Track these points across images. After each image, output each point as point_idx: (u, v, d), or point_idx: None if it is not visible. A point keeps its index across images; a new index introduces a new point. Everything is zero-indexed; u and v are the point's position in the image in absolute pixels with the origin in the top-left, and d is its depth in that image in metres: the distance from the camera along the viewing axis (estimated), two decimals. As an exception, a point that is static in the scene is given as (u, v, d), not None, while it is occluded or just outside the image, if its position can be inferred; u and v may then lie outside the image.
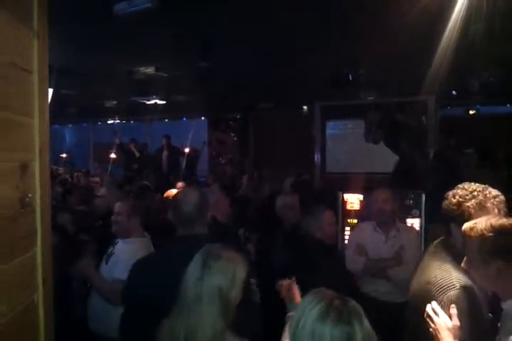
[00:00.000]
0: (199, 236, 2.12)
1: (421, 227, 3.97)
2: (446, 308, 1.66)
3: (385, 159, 7.09)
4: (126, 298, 2.11)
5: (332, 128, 9.25)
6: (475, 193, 1.84)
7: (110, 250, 2.99)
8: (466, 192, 1.86)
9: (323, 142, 9.19)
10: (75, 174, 9.07)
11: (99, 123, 12.02)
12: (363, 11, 3.62)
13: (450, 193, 1.91)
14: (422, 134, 7.27)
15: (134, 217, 3.00)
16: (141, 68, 5.57)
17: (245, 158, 10.07)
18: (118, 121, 11.32)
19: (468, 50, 4.00)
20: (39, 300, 1.56)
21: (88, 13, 3.66)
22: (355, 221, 4.34)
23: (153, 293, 1.87)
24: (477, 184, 1.89)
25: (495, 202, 1.82)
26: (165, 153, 9.38)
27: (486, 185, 1.88)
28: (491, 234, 1.51)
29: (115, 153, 9.66)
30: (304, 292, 1.77)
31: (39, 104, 1.57)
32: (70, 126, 13.11)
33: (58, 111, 7.70)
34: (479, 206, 1.80)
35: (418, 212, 3.99)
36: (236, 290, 1.60)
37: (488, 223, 1.54)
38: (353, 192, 4.49)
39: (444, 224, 1.97)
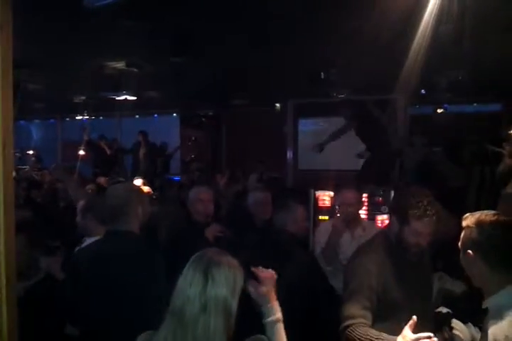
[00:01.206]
0: (122, 233, 2.12)
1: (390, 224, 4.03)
2: None
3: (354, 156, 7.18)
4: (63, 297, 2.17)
5: (305, 125, 9.32)
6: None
7: (76, 249, 2.94)
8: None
9: (295, 139, 9.24)
10: (41, 172, 8.85)
11: (68, 119, 11.75)
12: (336, 10, 3.64)
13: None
14: (391, 131, 7.40)
15: (90, 215, 2.94)
16: (112, 63, 5.47)
17: (218, 155, 10.03)
18: (87, 117, 11.08)
19: (437, 49, 4.08)
20: (2, 299, 1.51)
21: (57, 5, 3.56)
22: (326, 217, 4.38)
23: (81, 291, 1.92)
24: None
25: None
26: (142, 150, 9.22)
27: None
28: (472, 226, 1.60)
29: (84, 150, 9.46)
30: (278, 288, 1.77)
31: (2, 98, 1.51)
32: (37, 121, 12.77)
33: (24, 106, 7.48)
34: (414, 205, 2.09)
35: (387, 209, 4.05)
36: (236, 298, 1.51)
37: (476, 216, 1.62)
38: (325, 189, 4.53)
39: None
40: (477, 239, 1.57)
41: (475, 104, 8.64)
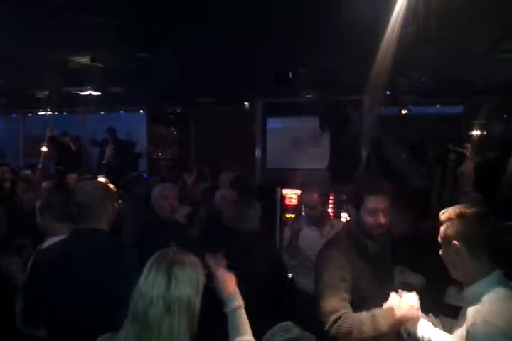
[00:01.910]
0: (91, 231, 2.10)
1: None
2: None
3: (323, 156, 7.28)
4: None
5: (273, 124, 9.36)
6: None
7: (38, 249, 2.86)
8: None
9: (263, 138, 9.27)
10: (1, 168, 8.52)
11: (30, 114, 11.39)
12: (304, 10, 3.67)
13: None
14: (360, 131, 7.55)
15: (47, 214, 2.86)
16: (76, 57, 5.34)
17: (186, 153, 9.95)
18: (50, 112, 10.78)
19: (402, 51, 4.16)
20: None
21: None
22: (293, 215, 4.42)
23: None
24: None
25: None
26: (109, 148, 9.04)
27: None
28: (454, 218, 1.65)
29: (47, 147, 9.20)
30: (239, 283, 1.76)
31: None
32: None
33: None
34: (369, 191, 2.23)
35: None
36: (199, 296, 1.50)
37: (457, 209, 1.67)
38: (291, 188, 4.57)
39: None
40: (462, 230, 1.62)
41: (438, 106, 8.88)
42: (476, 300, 1.57)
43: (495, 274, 1.60)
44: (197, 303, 1.48)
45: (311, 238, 3.40)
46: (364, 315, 1.97)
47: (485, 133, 7.64)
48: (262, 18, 3.94)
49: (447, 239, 1.67)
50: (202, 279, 1.52)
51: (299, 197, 4.46)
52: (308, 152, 7.89)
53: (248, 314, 1.71)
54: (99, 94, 6.90)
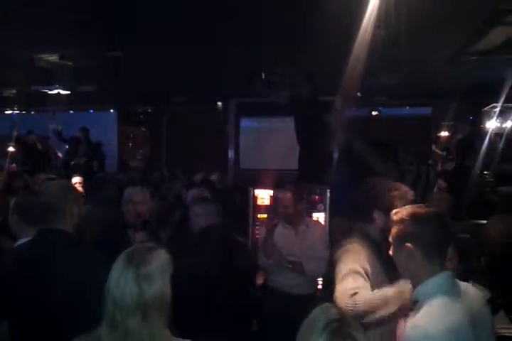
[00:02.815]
0: (55, 232, 2.07)
1: (326, 221, 4.15)
2: None
3: (296, 156, 7.30)
4: None
5: (246, 124, 9.35)
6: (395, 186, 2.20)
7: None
8: (389, 184, 2.22)
9: (237, 138, 9.26)
10: None
11: (-4, 113, 11.07)
12: (278, 11, 3.68)
13: (373, 184, 2.25)
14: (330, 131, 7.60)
15: (15, 216, 2.79)
16: (44, 55, 5.22)
17: (158, 154, 9.84)
18: (17, 111, 10.50)
19: (373, 53, 4.22)
20: None
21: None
22: (265, 216, 4.42)
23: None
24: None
25: (409, 196, 2.18)
26: (81, 147, 8.85)
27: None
28: (407, 219, 1.64)
29: (14, 147, 8.94)
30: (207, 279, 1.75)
31: None
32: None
33: None
34: (401, 196, 2.16)
35: (323, 207, 4.16)
36: (169, 283, 1.53)
37: (409, 209, 1.66)
38: (264, 188, 4.57)
39: (348, 217, 2.14)
40: (414, 231, 1.61)
41: (407, 108, 9.07)
42: (421, 302, 1.57)
43: (442, 275, 1.59)
44: (169, 292, 1.52)
45: (286, 237, 3.42)
46: (376, 293, 1.94)
47: (452, 134, 7.86)
48: (236, 17, 3.93)
49: (399, 240, 1.66)
50: (169, 269, 1.55)
51: (272, 198, 4.47)
52: (282, 152, 7.91)
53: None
54: (68, 93, 6.77)
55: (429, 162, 6.57)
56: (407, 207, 1.69)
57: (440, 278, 1.58)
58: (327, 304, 1.44)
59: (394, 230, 1.69)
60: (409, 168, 6.49)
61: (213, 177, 6.18)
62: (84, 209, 2.58)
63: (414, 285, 1.64)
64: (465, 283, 1.67)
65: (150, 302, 1.46)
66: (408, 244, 1.61)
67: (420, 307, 1.55)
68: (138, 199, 3.24)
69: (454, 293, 1.57)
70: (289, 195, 3.39)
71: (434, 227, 1.61)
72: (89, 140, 8.93)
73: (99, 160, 8.90)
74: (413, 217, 1.63)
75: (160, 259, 1.54)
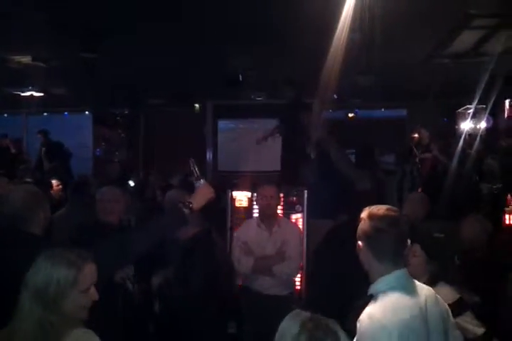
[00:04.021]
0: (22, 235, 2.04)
1: (303, 222, 4.17)
2: None
3: (274, 158, 7.32)
4: None
5: (224, 127, 9.33)
6: None
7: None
8: None
9: (214, 141, 9.23)
10: None
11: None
12: (255, 13, 3.69)
13: None
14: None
15: None
16: (16, 57, 5.10)
17: (134, 156, 9.73)
18: (-11, 114, 10.26)
19: (347, 56, 4.27)
20: None
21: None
22: (243, 217, 4.41)
23: None
24: None
25: None
26: (43, 150, 8.68)
27: None
28: (364, 219, 1.69)
29: (-16, 150, 8.72)
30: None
31: None
32: None
33: None
34: None
35: (301, 208, 4.18)
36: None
37: (370, 210, 1.70)
38: (242, 190, 4.56)
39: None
40: (367, 231, 1.67)
41: (383, 110, 9.20)
42: (375, 298, 1.62)
43: (394, 274, 1.63)
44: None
45: (260, 237, 3.44)
46: None
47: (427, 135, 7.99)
48: (213, 20, 3.92)
49: (357, 238, 1.72)
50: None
51: (250, 200, 4.46)
52: (260, 154, 7.92)
53: None
54: (41, 94, 6.65)
55: (416, 160, 6.71)
56: (378, 207, 1.71)
57: (391, 277, 1.63)
58: (296, 311, 1.44)
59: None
60: (394, 168, 6.60)
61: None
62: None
63: (371, 282, 1.69)
64: (418, 283, 1.71)
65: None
66: (360, 243, 1.69)
67: (375, 301, 1.60)
68: (106, 198, 3.18)
69: (406, 290, 1.61)
70: (269, 188, 3.43)
71: (387, 228, 1.64)
72: (49, 142, 8.78)
73: (62, 161, 8.72)
74: (369, 218, 1.68)
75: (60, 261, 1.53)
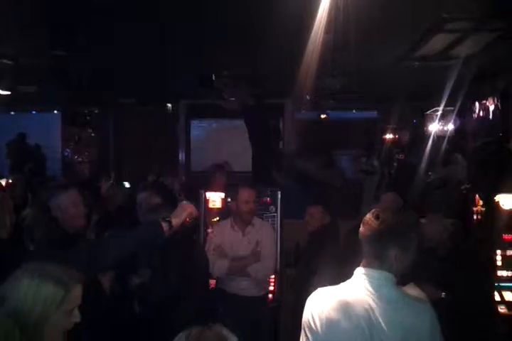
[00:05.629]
0: None
1: (277, 223, 4.18)
2: None
3: (247, 158, 7.32)
4: None
5: (197, 127, 9.27)
6: None
7: None
8: None
9: (187, 141, 9.16)
10: None
11: None
12: (230, 13, 3.67)
13: None
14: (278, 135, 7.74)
15: None
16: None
17: (105, 156, 9.55)
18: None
19: (322, 57, 4.30)
20: None
21: None
22: (216, 218, 4.39)
23: None
24: None
25: None
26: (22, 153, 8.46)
27: None
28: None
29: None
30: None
31: None
32: None
33: None
34: None
35: (274, 209, 4.19)
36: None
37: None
38: (215, 191, 4.53)
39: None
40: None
41: (354, 111, 9.31)
42: None
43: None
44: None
45: (233, 239, 3.43)
46: None
47: (396, 136, 8.16)
48: (187, 19, 3.88)
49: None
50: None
51: (223, 200, 4.45)
52: (233, 154, 7.91)
53: None
54: (8, 93, 6.47)
55: (394, 161, 6.84)
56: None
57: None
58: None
59: None
60: (373, 169, 6.70)
61: (167, 182, 6.05)
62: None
63: None
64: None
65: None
66: None
67: None
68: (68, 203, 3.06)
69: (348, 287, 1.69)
70: (248, 192, 3.43)
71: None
72: (25, 144, 8.60)
73: (38, 163, 8.56)
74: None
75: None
